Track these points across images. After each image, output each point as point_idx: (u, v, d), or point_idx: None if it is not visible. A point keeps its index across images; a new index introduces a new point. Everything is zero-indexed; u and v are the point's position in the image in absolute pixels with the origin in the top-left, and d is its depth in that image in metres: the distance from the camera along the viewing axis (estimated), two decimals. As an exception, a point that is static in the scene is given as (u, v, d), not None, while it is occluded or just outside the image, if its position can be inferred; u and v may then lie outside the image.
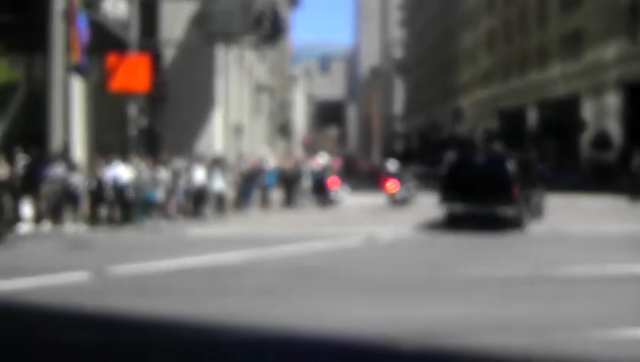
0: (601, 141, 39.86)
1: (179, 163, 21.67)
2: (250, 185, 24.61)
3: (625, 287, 10.48)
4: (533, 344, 7.42)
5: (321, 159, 30.01)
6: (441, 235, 16.67)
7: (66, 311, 9.01)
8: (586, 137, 42.50)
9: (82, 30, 19.49)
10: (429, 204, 20.98)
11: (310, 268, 12.15)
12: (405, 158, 54.15)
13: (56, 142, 20.55)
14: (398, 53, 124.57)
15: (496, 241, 15.71)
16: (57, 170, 18.02)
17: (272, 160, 28.83)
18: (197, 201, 21.09)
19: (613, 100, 40.63)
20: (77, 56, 19.38)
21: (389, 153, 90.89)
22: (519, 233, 16.89)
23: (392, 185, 26.26)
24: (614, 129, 39.87)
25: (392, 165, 28.85)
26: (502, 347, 7.28)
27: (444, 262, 12.81)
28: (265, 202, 24.89)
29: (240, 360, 6.96)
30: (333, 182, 27.00)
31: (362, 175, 52.12)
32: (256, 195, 24.89)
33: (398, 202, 25.90)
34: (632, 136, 36.71)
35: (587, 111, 43.95)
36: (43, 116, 20.81)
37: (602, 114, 41.94)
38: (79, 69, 19.59)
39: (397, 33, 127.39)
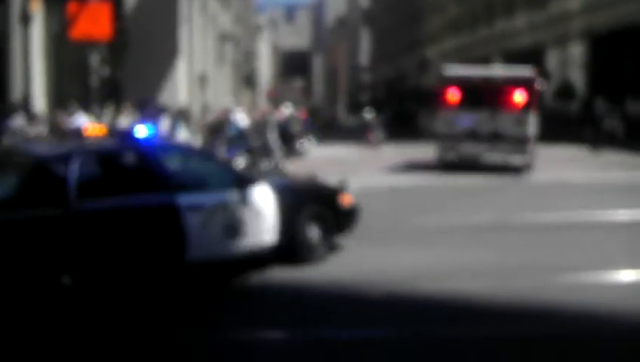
0: (565, 91, 40.21)
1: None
2: (216, 136, 24.38)
3: (591, 234, 10.71)
4: (498, 288, 7.58)
5: (286, 110, 29.88)
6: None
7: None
8: (550, 87, 42.85)
9: None
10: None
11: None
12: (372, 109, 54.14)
13: (16, 93, 20.08)
14: (364, 2, 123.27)
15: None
16: (18, 122, 17.64)
17: (239, 111, 28.55)
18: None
19: (577, 51, 40.89)
20: (36, 5, 18.84)
21: (354, 104, 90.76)
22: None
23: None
24: (578, 79, 40.23)
25: (368, 114, 31.03)
26: (466, 291, 7.42)
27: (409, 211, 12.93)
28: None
29: (209, 307, 6.98)
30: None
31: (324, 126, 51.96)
32: (222, 147, 24.67)
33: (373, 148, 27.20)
34: (595, 87, 37.10)
35: (551, 61, 44.21)
36: (2, 67, 20.27)
37: (566, 64, 42.23)
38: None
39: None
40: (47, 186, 6.46)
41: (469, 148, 19.20)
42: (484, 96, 19.00)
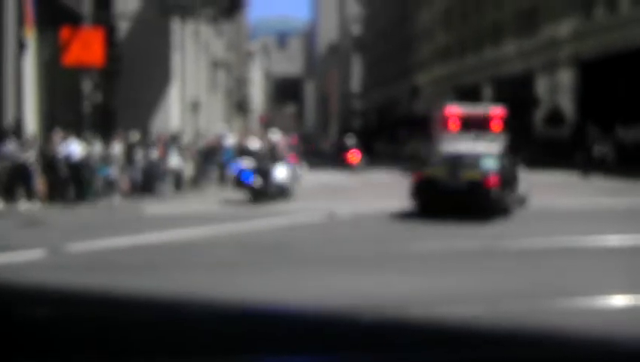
0: (554, 117, 40.51)
1: (135, 137, 21.38)
2: (208, 162, 24.42)
3: (582, 260, 10.75)
4: (485, 314, 7.58)
5: (273, 136, 29.98)
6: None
7: (24, 287, 8.87)
8: (540, 113, 43.16)
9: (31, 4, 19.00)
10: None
11: (270, 244, 12.17)
12: (362, 136, 54.59)
13: (8, 118, 20.05)
14: (356, 29, 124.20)
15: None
16: (9, 147, 17.61)
17: (231, 137, 28.61)
18: (153, 178, 20.83)
19: (566, 77, 41.29)
20: (29, 31, 18.91)
21: (346, 131, 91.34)
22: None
23: (352, 155, 30.19)
24: (567, 105, 40.57)
25: (350, 139, 32.90)
26: (455, 317, 7.42)
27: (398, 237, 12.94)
28: (223, 179, 24.75)
29: (203, 333, 6.96)
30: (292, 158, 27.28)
31: (322, 153, 52.37)
32: (214, 172, 24.72)
33: (357, 172, 28.65)
34: (585, 113, 37.43)
35: (541, 87, 44.61)
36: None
37: (556, 90, 42.61)
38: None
39: (355, 9, 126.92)
40: (498, 165, 15.58)
41: None
42: (473, 124, 28.73)
